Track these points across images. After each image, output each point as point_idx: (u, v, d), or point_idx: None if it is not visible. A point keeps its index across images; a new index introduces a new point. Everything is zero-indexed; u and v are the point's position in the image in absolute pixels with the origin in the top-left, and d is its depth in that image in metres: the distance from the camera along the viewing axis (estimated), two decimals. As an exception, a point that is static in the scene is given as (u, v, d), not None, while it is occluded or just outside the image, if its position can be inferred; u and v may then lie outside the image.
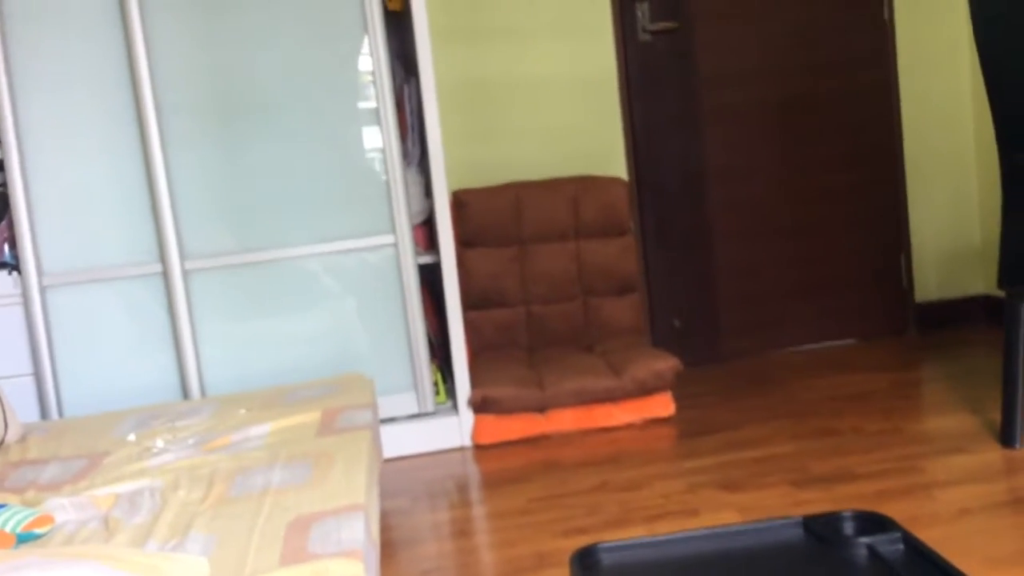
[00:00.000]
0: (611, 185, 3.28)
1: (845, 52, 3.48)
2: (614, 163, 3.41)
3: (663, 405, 2.88)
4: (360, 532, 1.38)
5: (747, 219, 3.49)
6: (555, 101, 3.38)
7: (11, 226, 2.63)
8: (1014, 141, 2.26)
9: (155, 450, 1.92)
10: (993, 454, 2.33)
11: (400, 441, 2.76)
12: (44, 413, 2.62)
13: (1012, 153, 2.27)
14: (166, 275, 2.66)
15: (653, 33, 3.40)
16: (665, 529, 2.07)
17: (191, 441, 1.96)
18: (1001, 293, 2.42)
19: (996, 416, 2.49)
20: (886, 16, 3.48)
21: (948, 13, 3.51)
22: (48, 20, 2.60)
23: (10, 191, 2.60)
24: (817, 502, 2.15)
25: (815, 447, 2.50)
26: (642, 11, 3.39)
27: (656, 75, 3.43)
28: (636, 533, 2.08)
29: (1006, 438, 2.36)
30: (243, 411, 2.15)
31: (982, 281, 3.60)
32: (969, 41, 3.52)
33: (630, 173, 3.42)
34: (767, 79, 3.45)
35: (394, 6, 2.86)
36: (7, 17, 2.58)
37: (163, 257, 2.65)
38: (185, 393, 2.68)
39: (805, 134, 3.49)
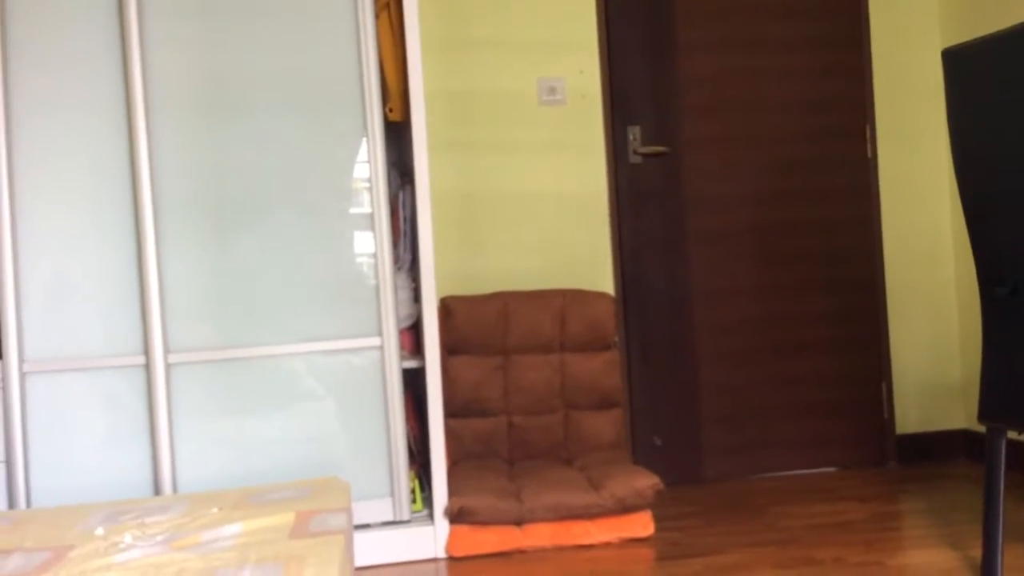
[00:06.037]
0: (598, 300, 3.31)
1: (828, 184, 3.58)
2: (602, 279, 3.45)
3: (642, 525, 2.84)
4: (329, 641, 1.33)
5: (730, 340, 3.52)
6: (546, 215, 3.45)
7: (-4, 310, 2.62)
8: (994, 275, 2.31)
9: (122, 546, 1.86)
10: (974, 591, 2.30)
11: (372, 549, 2.70)
12: (12, 502, 2.56)
13: (992, 287, 2.32)
14: (148, 367, 2.64)
15: (644, 156, 3.50)
16: (641, 654, 2.01)
17: (160, 538, 1.91)
18: (981, 428, 2.43)
19: (976, 552, 2.47)
20: (870, 154, 3.60)
21: (930, 152, 3.63)
22: (54, 109, 2.66)
23: None
24: (797, 633, 2.10)
25: (796, 576, 2.46)
26: (634, 134, 3.50)
27: (645, 196, 3.51)
28: (611, 657, 2.02)
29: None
30: (215, 509, 2.10)
31: (963, 415, 3.62)
32: (950, 179, 3.64)
33: (617, 289, 3.46)
34: (751, 205, 3.54)
35: (395, 117, 2.94)
36: (14, 102, 2.63)
37: (147, 349, 2.64)
38: (157, 489, 2.62)
39: (787, 260, 3.56)
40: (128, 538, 1.91)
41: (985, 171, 2.28)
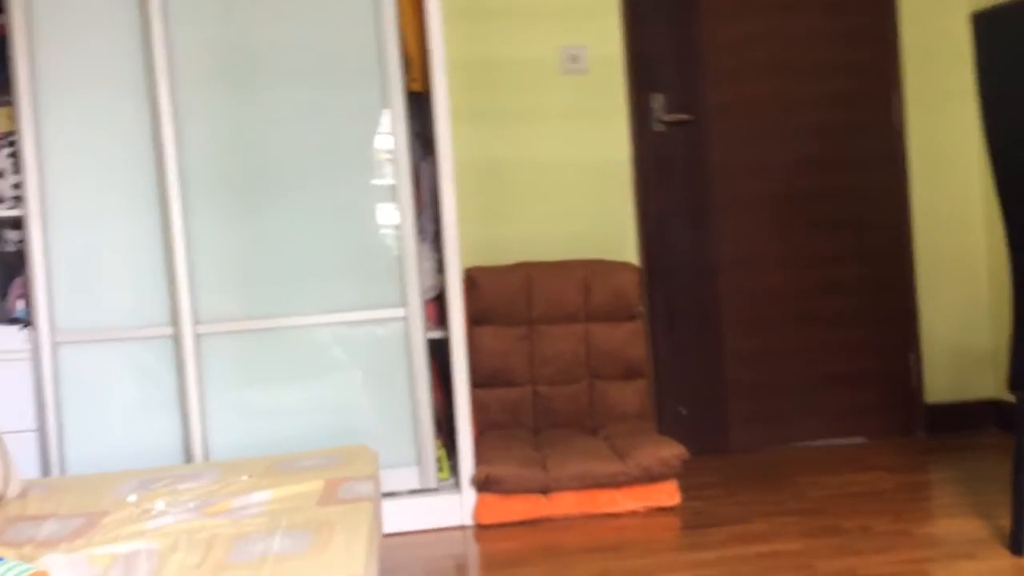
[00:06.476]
0: (622, 270, 3.31)
1: (856, 151, 3.53)
2: (626, 248, 3.44)
3: (668, 494, 2.85)
4: (359, 604, 1.36)
5: (756, 310, 3.50)
6: (569, 185, 3.43)
7: (26, 282, 2.66)
8: (1025, 244, 2.28)
9: (155, 512, 1.90)
10: (1002, 561, 2.28)
11: (400, 516, 2.72)
12: (46, 470, 2.61)
13: (1022, 254, 2.29)
14: (177, 338, 2.67)
15: (667, 123, 3.47)
16: (667, 620, 2.03)
17: (191, 504, 1.94)
18: (1011, 397, 2.41)
19: (1006, 522, 2.45)
20: (897, 120, 3.55)
21: (959, 118, 3.57)
22: (79, 85, 2.68)
23: (28, 248, 2.63)
24: (823, 600, 2.11)
25: (823, 545, 2.46)
26: (657, 102, 3.47)
27: (669, 164, 3.48)
28: (637, 623, 2.03)
29: (1015, 546, 2.32)
30: (245, 477, 2.13)
31: (992, 384, 3.58)
32: (979, 145, 3.58)
33: (641, 259, 3.45)
34: (777, 173, 3.50)
35: (416, 87, 2.93)
36: (40, 79, 2.65)
37: (175, 320, 2.67)
38: (188, 457, 2.66)
39: (815, 228, 3.52)
40: (160, 505, 1.95)
41: (1015, 137, 2.25)
